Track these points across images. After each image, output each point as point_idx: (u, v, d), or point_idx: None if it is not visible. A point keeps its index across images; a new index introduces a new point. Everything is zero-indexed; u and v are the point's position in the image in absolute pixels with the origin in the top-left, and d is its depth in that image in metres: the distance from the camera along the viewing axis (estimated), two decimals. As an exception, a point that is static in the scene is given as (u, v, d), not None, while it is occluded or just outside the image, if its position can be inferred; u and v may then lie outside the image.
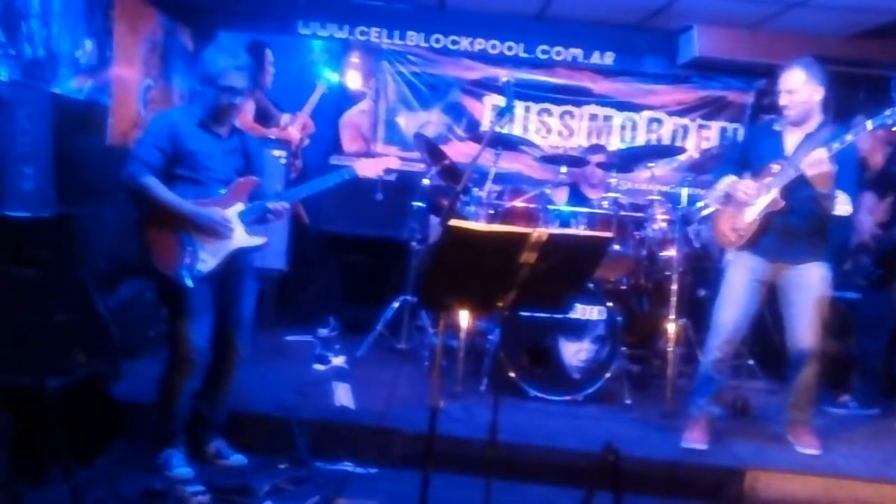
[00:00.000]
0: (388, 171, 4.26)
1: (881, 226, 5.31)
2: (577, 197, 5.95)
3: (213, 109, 3.84)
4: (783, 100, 4.27)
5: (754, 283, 4.39)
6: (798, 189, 4.15)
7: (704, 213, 5.54)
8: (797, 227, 4.28)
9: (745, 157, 4.51)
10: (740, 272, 4.43)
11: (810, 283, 4.34)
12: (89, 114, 5.69)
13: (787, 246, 4.32)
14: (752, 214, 4.33)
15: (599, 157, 6.09)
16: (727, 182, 4.44)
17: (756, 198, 4.30)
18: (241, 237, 3.86)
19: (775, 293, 4.46)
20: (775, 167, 4.24)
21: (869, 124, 3.94)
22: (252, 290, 4.08)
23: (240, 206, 3.87)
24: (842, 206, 4.09)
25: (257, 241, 3.93)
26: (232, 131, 3.96)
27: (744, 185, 4.34)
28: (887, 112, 3.90)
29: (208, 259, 3.78)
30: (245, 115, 5.77)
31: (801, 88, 4.20)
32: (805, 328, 4.35)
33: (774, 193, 4.23)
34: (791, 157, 4.20)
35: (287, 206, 3.99)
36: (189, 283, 3.71)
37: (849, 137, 3.98)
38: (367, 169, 4.15)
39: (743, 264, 4.42)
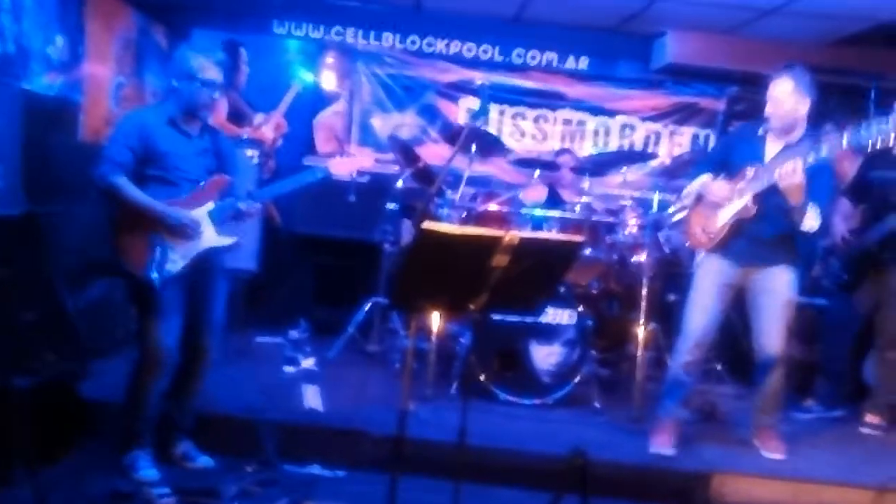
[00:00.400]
0: (361, 171, 4.23)
1: (852, 232, 5.36)
2: (554, 200, 5.98)
3: (188, 105, 3.81)
4: (768, 108, 4.26)
5: (723, 286, 4.42)
6: (769, 197, 4.17)
7: (675, 218, 5.58)
8: (766, 234, 4.31)
9: (725, 157, 4.52)
10: (709, 276, 4.46)
11: (778, 287, 4.38)
12: (60, 111, 5.64)
13: (756, 251, 4.35)
14: (723, 218, 4.36)
15: (567, 159, 6.14)
16: (700, 181, 4.47)
17: (728, 201, 4.33)
18: (210, 237, 3.83)
19: (743, 297, 4.50)
20: (749, 172, 4.26)
21: (844, 141, 3.89)
22: (223, 292, 4.06)
23: (210, 206, 3.84)
24: (810, 220, 4.10)
25: (227, 241, 3.90)
26: (203, 130, 3.93)
27: (716, 187, 4.37)
28: (863, 129, 3.82)
29: (178, 259, 3.75)
30: (219, 113, 5.74)
31: (787, 99, 4.20)
32: (772, 332, 4.39)
33: (747, 199, 4.25)
34: (767, 165, 4.22)
35: (258, 206, 3.97)
36: (158, 283, 3.68)
37: (824, 152, 3.96)
38: (341, 168, 4.14)
39: (712, 268, 4.46)
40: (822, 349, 5.62)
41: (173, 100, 3.86)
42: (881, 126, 3.78)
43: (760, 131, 4.40)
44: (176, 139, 3.80)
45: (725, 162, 4.48)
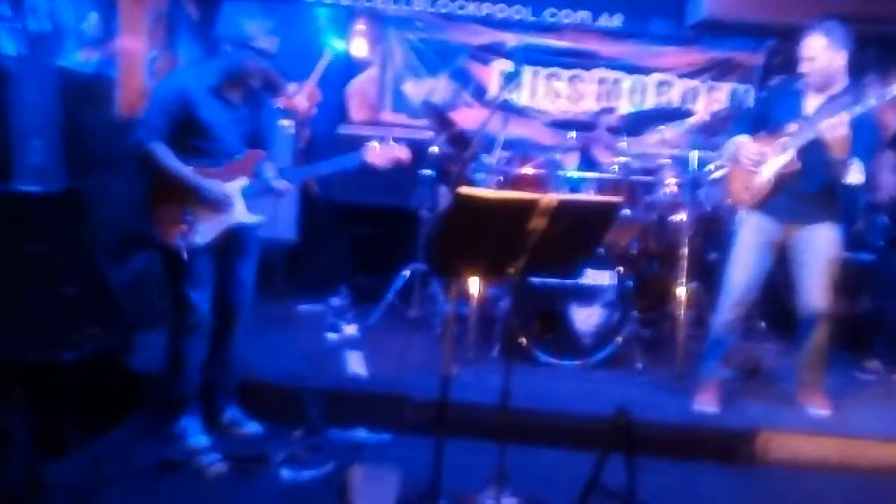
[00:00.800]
0: (396, 161, 4.14)
1: None
2: (587, 161, 5.92)
3: (236, 72, 3.78)
4: (804, 66, 4.19)
5: (765, 244, 4.38)
6: (813, 151, 4.10)
7: (714, 175, 5.51)
8: (809, 189, 4.24)
9: (763, 116, 4.46)
10: (751, 233, 4.41)
11: (821, 244, 4.32)
12: (96, 86, 5.67)
13: (798, 207, 4.29)
14: (766, 174, 4.30)
15: (610, 119, 6.05)
16: (738, 141, 4.40)
17: (769, 157, 4.26)
18: (240, 213, 3.85)
19: (785, 254, 4.44)
20: (792, 127, 4.19)
21: (893, 90, 3.84)
22: (253, 256, 4.07)
23: (243, 181, 3.86)
24: (854, 173, 4.04)
25: (256, 218, 3.91)
26: (246, 97, 3.90)
27: (748, 149, 4.31)
28: None
29: (206, 232, 3.77)
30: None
31: (821, 55, 4.12)
32: (816, 289, 4.34)
33: (791, 154, 4.19)
34: (810, 118, 4.15)
35: (289, 185, 3.97)
36: (187, 253, 3.70)
37: (871, 102, 3.90)
38: (377, 158, 4.06)
39: (754, 225, 4.41)
40: (878, 306, 5.50)
41: (218, 65, 3.82)
42: None
43: (799, 86, 4.31)
44: (215, 107, 3.79)
45: (764, 119, 4.41)
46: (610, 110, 6.45)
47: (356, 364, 4.78)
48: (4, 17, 4.69)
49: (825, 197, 4.28)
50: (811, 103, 4.26)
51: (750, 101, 7.52)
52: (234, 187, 3.83)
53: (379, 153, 4.05)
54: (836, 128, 3.91)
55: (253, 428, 4.10)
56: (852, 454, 4.25)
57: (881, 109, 5.19)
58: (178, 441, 3.86)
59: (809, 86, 4.25)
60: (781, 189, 4.28)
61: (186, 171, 3.72)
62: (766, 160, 4.28)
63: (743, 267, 4.41)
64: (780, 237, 4.38)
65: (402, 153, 4.10)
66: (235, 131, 3.87)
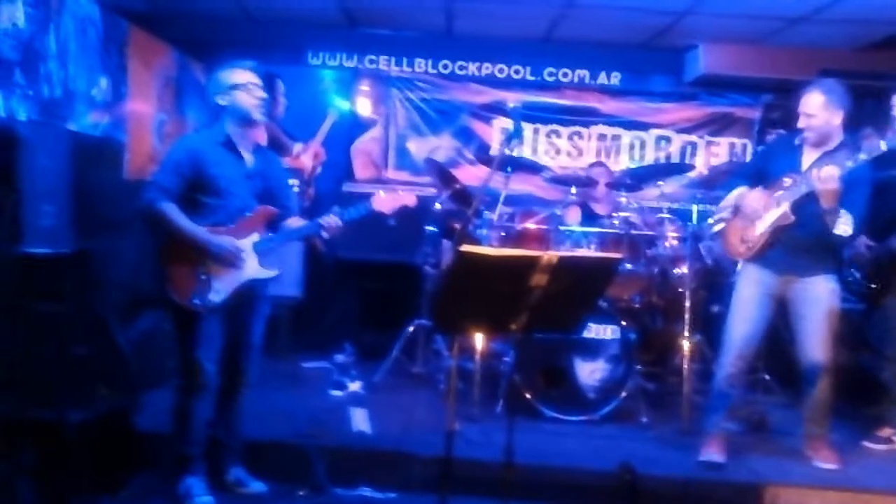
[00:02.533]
0: (403, 208, 4.20)
1: (872, 237, 5.20)
2: (588, 217, 5.99)
3: (243, 114, 3.84)
4: (802, 122, 4.28)
5: (764, 296, 4.41)
6: (807, 205, 4.17)
7: (715, 228, 5.56)
8: (805, 241, 4.29)
9: (761, 170, 4.53)
10: (750, 286, 4.45)
11: (819, 296, 4.35)
12: (106, 149, 5.79)
13: (794, 259, 4.34)
14: (761, 227, 4.36)
15: (600, 171, 6.17)
16: (737, 194, 4.47)
17: (764, 211, 4.33)
18: (253, 268, 3.89)
19: (786, 308, 4.47)
20: (787, 181, 4.26)
21: (883, 145, 3.93)
22: (263, 316, 4.10)
23: (255, 237, 3.90)
24: (843, 225, 4.09)
25: (270, 273, 3.95)
26: (255, 152, 3.97)
27: (753, 197, 4.38)
28: None
29: (221, 289, 3.80)
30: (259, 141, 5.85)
31: (819, 112, 4.21)
32: (816, 342, 4.36)
33: (785, 207, 4.25)
34: (805, 173, 4.23)
35: (338, 220, 4.00)
36: (201, 312, 3.75)
37: (862, 156, 3.98)
38: (383, 205, 4.09)
39: (752, 278, 4.45)
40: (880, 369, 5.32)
41: (225, 117, 3.87)
42: None
43: (797, 141, 4.40)
44: (227, 162, 3.84)
45: (762, 173, 4.48)
46: (600, 164, 6.56)
47: (361, 421, 4.78)
48: (18, 84, 4.81)
49: (821, 249, 4.32)
50: (808, 159, 4.33)
51: (748, 155, 7.61)
52: (247, 243, 3.87)
53: (385, 201, 4.10)
54: (828, 179, 3.97)
55: (257, 487, 4.09)
56: (860, 508, 4.23)
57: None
58: (182, 501, 3.86)
59: (807, 141, 4.33)
60: (777, 242, 4.33)
61: (196, 228, 3.76)
62: (762, 214, 4.34)
63: (742, 320, 4.44)
64: (778, 289, 4.41)
65: (408, 199, 4.15)
66: (246, 187, 3.90)
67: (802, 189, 4.17)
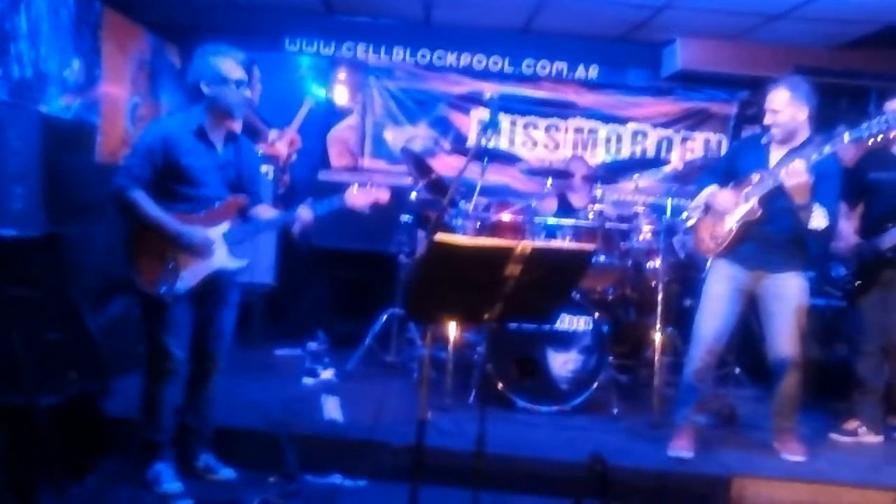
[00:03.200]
0: (375, 204, 4.18)
1: (857, 232, 5.28)
2: (565, 208, 6.01)
3: (224, 108, 3.80)
4: (768, 119, 4.32)
5: (734, 291, 4.45)
6: (776, 200, 4.21)
7: (689, 223, 5.59)
8: (774, 237, 4.34)
9: (729, 168, 4.58)
10: (721, 282, 4.48)
11: (788, 292, 4.39)
12: (78, 132, 5.72)
13: (764, 254, 4.38)
14: (730, 223, 4.40)
15: (578, 165, 6.17)
16: (707, 192, 4.51)
17: (734, 207, 4.37)
18: (222, 258, 3.85)
19: (755, 303, 4.51)
20: (755, 177, 4.31)
21: (846, 137, 3.99)
22: (233, 304, 4.07)
23: (225, 226, 3.86)
24: (817, 219, 4.13)
25: (239, 263, 3.91)
26: (228, 139, 3.93)
27: (722, 196, 4.42)
28: (864, 125, 3.95)
29: (188, 278, 3.77)
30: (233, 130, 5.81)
31: (785, 108, 4.26)
32: (784, 338, 4.40)
33: (753, 202, 4.29)
34: (772, 169, 4.27)
35: (310, 212, 3.98)
36: (168, 300, 3.71)
37: (826, 149, 4.03)
38: (357, 200, 4.08)
39: (723, 273, 4.49)
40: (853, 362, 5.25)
41: (204, 106, 3.82)
42: (879, 122, 3.87)
43: (764, 140, 4.45)
44: (199, 151, 3.80)
45: (731, 171, 4.53)
46: (578, 158, 6.57)
47: (333, 409, 4.77)
48: (-13, 64, 4.75)
49: (791, 245, 4.37)
50: (775, 156, 4.37)
51: (723, 150, 7.67)
52: (217, 232, 3.84)
53: (359, 196, 4.09)
54: (796, 174, 4.01)
55: (227, 474, 4.06)
56: (827, 500, 4.26)
57: (850, 157, 5.32)
58: (151, 486, 3.83)
59: (773, 138, 4.38)
60: (747, 237, 4.37)
61: (166, 217, 3.72)
62: (731, 210, 4.38)
63: (712, 315, 4.47)
64: (748, 285, 4.45)
65: (382, 194, 4.14)
66: (219, 176, 3.87)
67: (770, 184, 4.21)
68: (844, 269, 5.27)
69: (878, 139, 3.92)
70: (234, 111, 3.84)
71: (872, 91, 6.88)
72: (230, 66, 3.79)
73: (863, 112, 6.73)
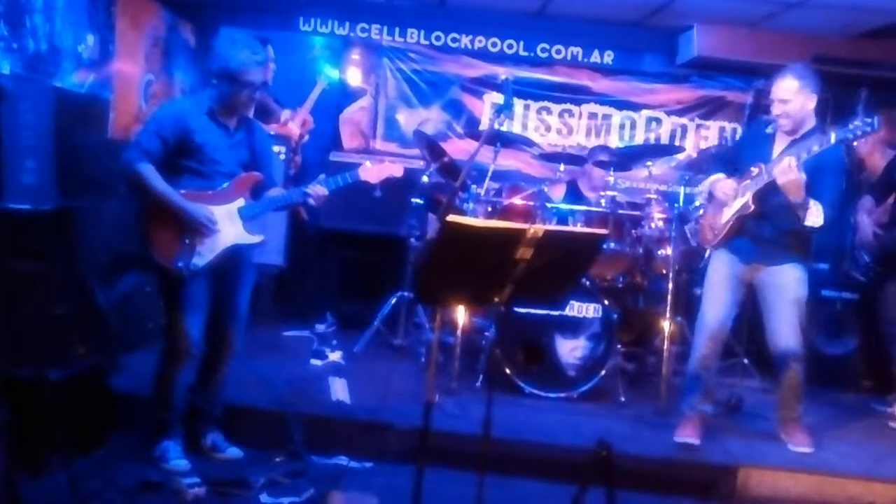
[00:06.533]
0: (390, 178, 4.20)
1: (881, 226, 5.31)
2: (574, 195, 5.98)
3: (228, 102, 3.82)
4: (776, 109, 4.27)
5: (733, 279, 4.45)
6: (770, 195, 4.19)
7: (701, 212, 5.56)
8: (768, 232, 4.33)
9: (737, 157, 4.54)
10: (719, 270, 4.49)
11: (785, 283, 4.37)
12: (91, 108, 5.68)
13: (759, 249, 4.38)
14: (727, 215, 4.40)
15: (603, 158, 6.12)
16: (711, 180, 4.50)
17: (732, 199, 4.34)
18: (237, 233, 3.86)
19: (754, 295, 4.51)
20: (754, 170, 4.27)
21: (832, 137, 3.94)
22: (249, 284, 4.10)
23: (240, 202, 3.88)
24: (813, 216, 4.09)
25: (254, 238, 3.92)
26: (240, 122, 3.94)
27: (723, 185, 4.39)
28: (851, 126, 3.89)
29: (205, 254, 3.78)
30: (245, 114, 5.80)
31: (793, 98, 4.20)
32: (784, 330, 4.39)
33: (747, 197, 4.27)
34: (768, 165, 4.22)
35: (324, 189, 3.98)
36: (185, 276, 3.73)
37: (815, 148, 3.98)
38: (370, 175, 4.12)
39: (721, 262, 4.49)
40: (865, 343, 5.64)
41: (216, 93, 3.83)
42: (865, 122, 3.83)
43: (769, 129, 4.40)
44: (212, 131, 3.82)
45: (736, 161, 4.50)
46: (604, 149, 6.51)
47: (340, 391, 4.79)
48: (2, 36, 4.73)
49: (788, 239, 4.34)
50: (779, 147, 4.33)
51: (737, 139, 7.61)
52: (230, 209, 3.85)
53: (372, 171, 4.11)
54: (786, 172, 3.97)
55: (234, 453, 4.09)
56: (832, 491, 4.27)
57: (866, 151, 5.32)
58: (158, 463, 3.86)
59: (781, 128, 4.32)
60: (742, 231, 4.37)
61: (171, 192, 3.72)
62: (729, 202, 4.35)
63: (714, 302, 4.46)
64: (746, 276, 4.45)
65: (395, 170, 4.16)
66: (232, 155, 3.89)
67: (765, 179, 4.18)
68: (867, 257, 5.37)
69: (865, 140, 3.93)
70: (239, 109, 3.88)
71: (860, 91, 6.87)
72: (247, 66, 3.75)
73: (882, 103, 6.68)
